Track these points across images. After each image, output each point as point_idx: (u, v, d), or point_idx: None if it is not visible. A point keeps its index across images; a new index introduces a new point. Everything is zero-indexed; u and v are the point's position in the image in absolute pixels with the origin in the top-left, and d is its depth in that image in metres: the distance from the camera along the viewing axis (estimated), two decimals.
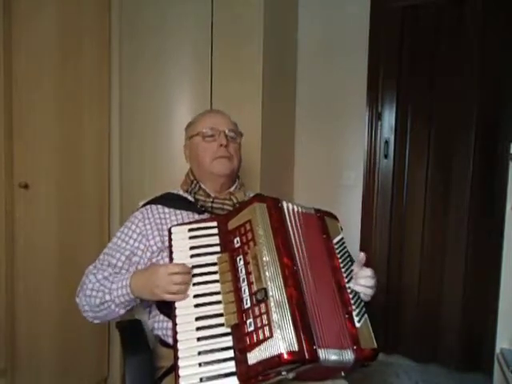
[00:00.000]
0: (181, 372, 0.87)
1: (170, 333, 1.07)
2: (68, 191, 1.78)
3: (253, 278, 0.91)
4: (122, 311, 1.08)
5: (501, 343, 1.56)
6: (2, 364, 1.58)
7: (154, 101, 1.86)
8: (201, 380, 0.86)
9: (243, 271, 0.94)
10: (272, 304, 0.87)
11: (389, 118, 2.25)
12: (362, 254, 1.05)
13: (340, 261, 1.05)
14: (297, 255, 0.98)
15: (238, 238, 0.98)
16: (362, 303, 1.03)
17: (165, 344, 1.11)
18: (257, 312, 0.87)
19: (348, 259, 1.08)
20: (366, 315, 1.00)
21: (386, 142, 2.26)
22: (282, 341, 0.83)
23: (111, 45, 1.96)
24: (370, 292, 1.03)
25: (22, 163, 1.60)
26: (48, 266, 1.70)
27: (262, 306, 0.87)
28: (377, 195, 2.29)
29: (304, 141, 2.40)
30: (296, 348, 0.83)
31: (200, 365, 0.87)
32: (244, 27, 1.82)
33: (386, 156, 2.27)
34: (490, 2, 2.01)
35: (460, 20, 2.08)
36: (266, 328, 0.85)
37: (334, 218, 1.17)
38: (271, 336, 0.84)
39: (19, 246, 1.61)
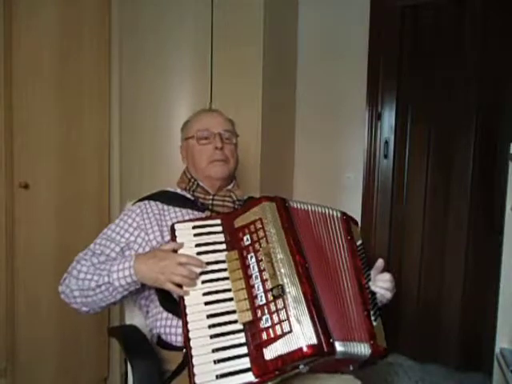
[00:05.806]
0: (196, 370, 0.86)
1: (173, 331, 1.06)
2: (68, 191, 1.78)
3: (267, 275, 0.92)
4: (119, 296, 1.04)
5: (500, 343, 1.56)
6: (2, 364, 1.58)
7: (154, 100, 1.86)
8: (217, 377, 0.86)
9: (255, 269, 0.95)
10: (290, 300, 0.88)
11: (389, 118, 2.25)
12: (381, 261, 1.11)
13: (361, 262, 1.08)
14: (307, 253, 0.99)
15: (247, 236, 0.99)
16: (378, 305, 1.07)
17: (165, 345, 1.09)
18: (273, 308, 0.89)
19: (366, 263, 1.11)
20: (379, 317, 1.03)
21: (386, 142, 2.26)
22: (301, 335, 0.85)
23: (111, 44, 1.96)
24: (388, 295, 1.09)
25: (22, 163, 1.60)
26: (48, 265, 1.70)
27: (279, 301, 0.89)
28: (377, 195, 2.29)
29: (304, 141, 2.40)
30: (315, 341, 0.85)
31: (215, 362, 0.88)
32: (244, 27, 1.82)
33: (385, 156, 2.27)
34: (490, 2, 2.01)
35: (460, 20, 2.08)
36: (285, 323, 0.86)
37: (355, 223, 1.18)
38: (291, 331, 0.85)
39: (19, 246, 1.61)
